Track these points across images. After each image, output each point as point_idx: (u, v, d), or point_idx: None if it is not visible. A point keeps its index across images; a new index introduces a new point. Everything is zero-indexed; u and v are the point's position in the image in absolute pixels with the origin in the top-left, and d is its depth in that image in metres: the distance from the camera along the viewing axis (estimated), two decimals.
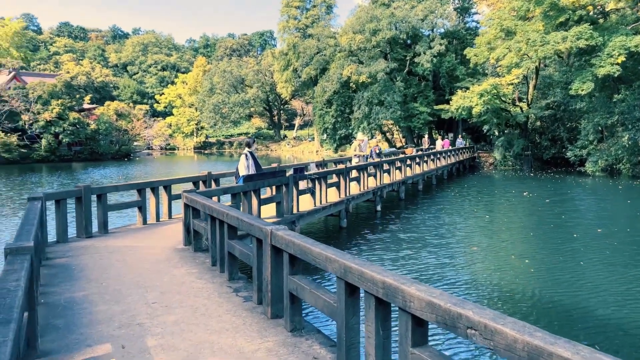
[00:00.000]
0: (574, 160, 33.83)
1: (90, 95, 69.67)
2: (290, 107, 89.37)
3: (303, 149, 70.26)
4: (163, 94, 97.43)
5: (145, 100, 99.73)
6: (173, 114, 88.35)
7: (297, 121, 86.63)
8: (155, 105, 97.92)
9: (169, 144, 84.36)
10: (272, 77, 73.57)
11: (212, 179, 12.77)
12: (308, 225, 14.57)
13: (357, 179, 16.51)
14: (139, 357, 4.17)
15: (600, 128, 31.72)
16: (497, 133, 42.70)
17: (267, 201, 10.93)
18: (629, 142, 28.88)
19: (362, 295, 3.68)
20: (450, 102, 36.24)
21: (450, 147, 35.24)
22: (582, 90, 28.42)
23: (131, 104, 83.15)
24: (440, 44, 42.32)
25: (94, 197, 9.92)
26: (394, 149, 35.44)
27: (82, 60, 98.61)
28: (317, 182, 13.25)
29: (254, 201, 10.02)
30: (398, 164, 21.47)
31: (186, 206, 8.35)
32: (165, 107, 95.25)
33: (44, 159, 50.30)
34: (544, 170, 35.82)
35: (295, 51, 57.66)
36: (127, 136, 62.07)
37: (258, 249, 5.36)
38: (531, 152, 36.85)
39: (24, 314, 3.67)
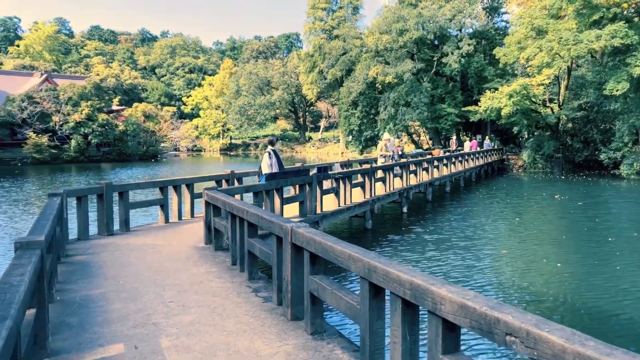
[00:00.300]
0: (608, 163, 32.75)
1: (119, 97, 70.79)
2: (316, 109, 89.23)
3: (328, 150, 69.98)
4: (190, 96, 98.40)
5: (172, 102, 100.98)
6: (200, 116, 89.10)
7: (323, 123, 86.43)
8: (182, 107, 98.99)
9: (196, 146, 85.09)
10: (297, 79, 73.58)
11: (235, 177, 12.62)
12: (332, 226, 14.31)
13: (383, 180, 16.17)
14: (152, 358, 3.97)
15: (635, 130, 30.65)
16: (526, 135, 41.71)
17: (290, 200, 10.71)
18: None
19: (387, 296, 3.40)
20: (479, 103, 35.51)
21: (478, 149, 34.53)
22: (617, 90, 27.50)
23: (159, 106, 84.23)
24: (469, 44, 41.58)
25: (116, 196, 9.85)
26: (420, 150, 34.91)
27: (111, 62, 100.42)
28: (341, 182, 12.98)
29: (277, 200, 9.81)
30: (425, 164, 21.04)
31: (207, 204, 8.19)
32: (192, 109, 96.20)
33: (74, 160, 51.17)
34: (575, 173, 34.79)
35: (321, 52, 57.49)
36: (154, 137, 62.73)
37: (278, 248, 5.13)
38: (562, 154, 35.85)
39: (29, 311, 3.50)
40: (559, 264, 11.64)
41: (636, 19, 30.88)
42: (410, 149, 42.77)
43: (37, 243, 3.88)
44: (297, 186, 10.95)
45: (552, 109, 35.19)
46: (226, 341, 4.32)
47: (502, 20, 49.41)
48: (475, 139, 38.56)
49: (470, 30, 45.42)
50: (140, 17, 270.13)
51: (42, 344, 3.88)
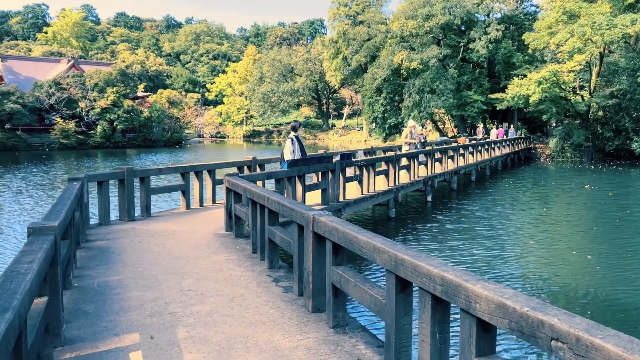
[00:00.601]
0: None
1: (144, 83, 71.29)
2: (339, 96, 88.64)
3: (351, 138, 69.50)
4: (214, 82, 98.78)
5: (196, 89, 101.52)
6: (223, 103, 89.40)
7: (346, 110, 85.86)
8: (206, 93, 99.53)
9: (219, 132, 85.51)
10: (321, 66, 73.04)
11: (257, 164, 12.45)
12: (354, 215, 14.08)
13: (407, 168, 15.82)
14: (167, 349, 3.83)
15: None
16: (554, 124, 40.64)
17: (312, 188, 10.51)
18: None
19: (415, 290, 3.18)
20: (506, 90, 34.65)
21: (505, 137, 33.77)
22: None
23: (183, 93, 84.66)
24: (497, 30, 40.57)
25: (137, 181, 9.78)
26: (445, 138, 34.27)
27: (137, 49, 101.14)
28: (364, 170, 12.71)
29: (299, 187, 9.61)
30: (450, 152, 20.60)
31: (228, 190, 8.03)
32: (216, 95, 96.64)
33: (99, 145, 51.83)
34: (605, 162, 33.78)
35: (345, 39, 56.84)
36: (178, 124, 63.11)
37: (299, 236, 4.92)
38: (592, 143, 34.83)
39: (40, 300, 3.37)
40: (589, 256, 11.23)
41: None
42: (434, 136, 42.09)
43: (50, 229, 3.74)
44: (320, 173, 10.73)
45: (582, 97, 34.13)
46: (245, 333, 4.15)
47: (532, 5, 48.31)
48: (502, 127, 37.69)
49: (499, 15, 44.32)
50: (165, 4, 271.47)
51: (56, 333, 3.76)
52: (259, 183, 9.25)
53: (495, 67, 43.52)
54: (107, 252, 6.90)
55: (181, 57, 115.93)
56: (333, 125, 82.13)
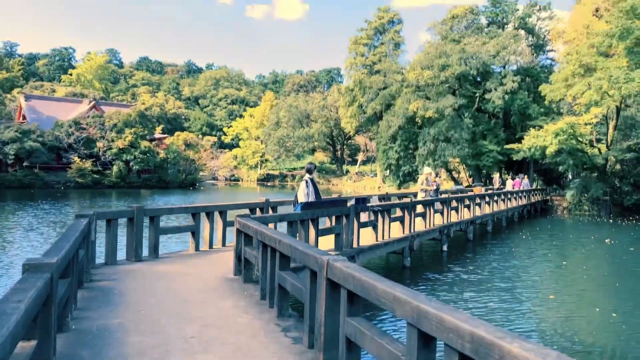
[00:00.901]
0: None
1: (162, 125, 72.54)
2: (354, 143, 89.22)
3: (365, 184, 69.32)
4: (231, 126, 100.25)
5: (213, 132, 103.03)
6: (239, 146, 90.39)
7: (360, 157, 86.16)
8: (222, 137, 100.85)
9: (234, 175, 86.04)
10: (336, 113, 73.89)
11: (270, 206, 12.22)
12: (368, 262, 13.67)
13: (423, 215, 15.48)
14: None
15: None
16: (570, 176, 40.14)
17: (326, 232, 10.20)
18: None
19: (439, 346, 2.85)
20: (522, 141, 34.46)
21: (522, 188, 33.32)
22: None
23: (200, 135, 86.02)
24: (513, 81, 40.78)
25: (146, 221, 9.58)
26: (461, 187, 33.91)
27: (157, 92, 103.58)
28: (379, 215, 12.41)
29: (312, 231, 9.33)
30: (467, 201, 20.24)
31: (238, 232, 7.77)
32: (232, 139, 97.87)
33: (114, 185, 52.19)
34: (624, 216, 32.99)
35: (361, 87, 57.62)
36: (193, 166, 63.62)
37: (312, 283, 4.62)
38: (610, 197, 34.19)
39: (27, 343, 3.10)
40: (614, 314, 10.65)
41: None
42: (448, 185, 41.74)
43: (47, 266, 3.50)
44: (334, 217, 10.45)
45: (599, 149, 33.78)
46: None
47: (548, 58, 48.51)
48: (518, 178, 37.30)
49: (515, 67, 44.63)
50: (187, 50, 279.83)
51: None
52: (271, 225, 8.99)
53: (511, 118, 43.52)
54: (110, 293, 6.62)
55: (200, 101, 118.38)
56: (347, 171, 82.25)
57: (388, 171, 53.52)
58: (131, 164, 53.47)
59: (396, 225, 13.82)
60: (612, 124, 34.44)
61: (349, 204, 10.96)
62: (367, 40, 64.35)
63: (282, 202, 13.13)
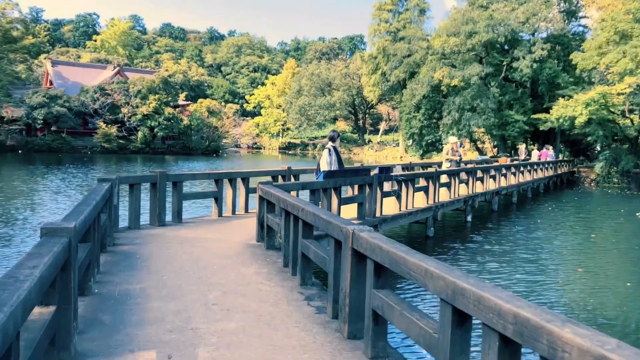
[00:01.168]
0: None
1: (186, 92, 72.52)
2: (376, 112, 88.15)
3: (387, 154, 68.69)
4: (253, 94, 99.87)
5: (236, 100, 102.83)
6: (261, 114, 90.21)
7: (382, 126, 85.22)
8: (245, 105, 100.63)
9: (256, 143, 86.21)
10: (359, 81, 72.79)
11: (292, 174, 12.09)
12: (390, 232, 13.52)
13: (448, 185, 15.18)
14: None
15: None
16: (599, 148, 39.06)
17: (348, 201, 10.04)
18: None
19: (475, 325, 2.68)
20: (550, 111, 33.48)
21: (547, 159, 32.55)
22: None
23: (222, 103, 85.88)
24: (542, 49, 39.39)
25: (169, 186, 9.54)
26: (486, 157, 33.29)
27: (180, 59, 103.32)
28: (403, 185, 12.18)
29: (334, 200, 9.17)
30: (492, 172, 19.82)
31: (261, 199, 7.66)
32: (254, 107, 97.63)
33: (139, 151, 52.69)
34: None
35: (385, 54, 56.41)
36: (216, 133, 63.74)
37: (336, 253, 4.47)
38: None
39: (46, 309, 3.02)
40: None
41: None
42: (472, 156, 41.04)
43: (65, 230, 3.40)
44: (357, 186, 10.27)
45: (632, 121, 32.67)
46: (272, 358, 3.71)
47: (580, 25, 46.66)
48: (545, 149, 36.38)
49: (544, 35, 43.05)
50: (210, 16, 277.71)
51: (65, 345, 3.39)
52: (293, 193, 8.86)
53: (538, 87, 42.23)
54: (133, 258, 6.60)
55: (222, 68, 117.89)
56: (369, 141, 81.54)
57: (411, 141, 52.82)
58: (155, 130, 53.78)
59: (420, 195, 13.58)
60: None
61: (372, 173, 10.75)
62: (391, 6, 62.75)
63: (304, 170, 12.99)
